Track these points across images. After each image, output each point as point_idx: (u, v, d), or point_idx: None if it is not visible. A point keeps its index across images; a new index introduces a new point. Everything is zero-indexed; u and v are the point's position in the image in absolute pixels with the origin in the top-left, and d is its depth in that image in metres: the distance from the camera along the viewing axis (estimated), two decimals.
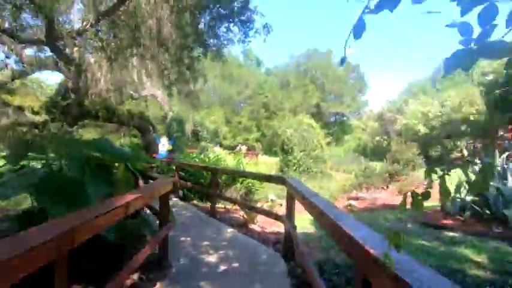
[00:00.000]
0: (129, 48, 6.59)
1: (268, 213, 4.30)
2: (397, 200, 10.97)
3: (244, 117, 37.67)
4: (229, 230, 5.17)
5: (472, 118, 18.87)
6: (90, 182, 3.00)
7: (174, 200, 8.11)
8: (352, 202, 9.09)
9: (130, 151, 4.46)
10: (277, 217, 4.11)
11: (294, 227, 3.83)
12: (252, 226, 5.79)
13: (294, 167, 16.26)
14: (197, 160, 9.10)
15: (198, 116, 30.49)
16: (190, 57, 5.57)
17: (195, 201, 8.51)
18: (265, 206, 7.37)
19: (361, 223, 1.50)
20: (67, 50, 7.32)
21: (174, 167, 8.98)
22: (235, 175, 7.16)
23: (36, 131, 12.19)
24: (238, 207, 7.76)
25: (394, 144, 17.98)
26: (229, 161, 9.40)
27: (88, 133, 32.64)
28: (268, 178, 4.30)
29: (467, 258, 3.98)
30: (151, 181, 4.68)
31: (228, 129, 35.32)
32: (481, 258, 4.01)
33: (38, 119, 11.57)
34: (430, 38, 76.34)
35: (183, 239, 4.62)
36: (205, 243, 4.42)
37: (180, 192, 8.65)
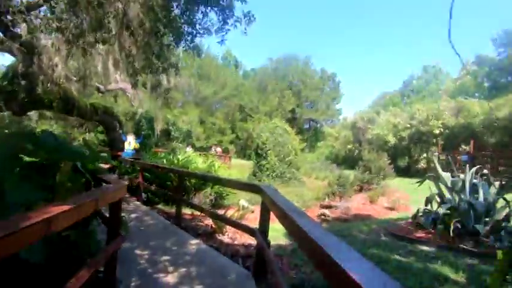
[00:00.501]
0: (92, 32, 5.84)
1: (239, 226, 3.83)
2: (369, 209, 10.99)
3: (219, 118, 36.94)
4: (195, 241, 4.62)
5: (437, 131, 19.83)
6: (15, 186, 2.35)
7: (136, 204, 7.38)
8: (326, 211, 8.87)
9: (81, 148, 3.79)
10: (248, 231, 3.65)
11: (268, 243, 3.40)
12: (221, 236, 5.29)
13: (268, 172, 15.92)
14: (165, 161, 8.41)
15: (170, 115, 29.34)
16: (159, 44, 4.94)
17: (160, 206, 7.82)
18: (236, 215, 6.88)
19: (375, 268, 1.08)
20: (17, 29, 6.40)
21: (138, 168, 8.22)
22: (207, 180, 6.58)
23: None
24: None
25: (366, 153, 18.32)
26: (200, 163, 8.81)
27: (49, 126, 30.15)
28: (242, 186, 3.84)
29: (447, 278, 3.78)
30: (105, 185, 4.02)
31: (201, 130, 34.37)
32: (460, 277, 3.84)
33: None
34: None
35: (139, 252, 4.01)
36: (166, 257, 3.85)
37: (144, 196, 7.93)
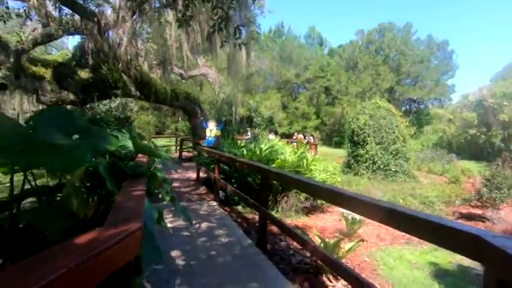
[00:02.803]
0: None
1: None
2: None
3: (302, 102, 34.38)
4: None
5: None
6: None
7: (212, 204, 5.98)
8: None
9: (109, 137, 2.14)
10: None
11: None
12: (332, 281, 3.22)
13: (366, 164, 12.98)
14: (245, 151, 6.77)
15: (252, 100, 28.50)
16: None
17: (239, 207, 6.27)
18: (336, 225, 4.68)
19: None
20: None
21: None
22: (316, 195, 4.31)
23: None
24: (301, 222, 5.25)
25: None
26: (288, 154, 6.88)
27: (146, 116, 33.34)
28: (422, 226, 1.56)
29: None
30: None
31: (284, 116, 32.58)
32: None
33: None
34: None
35: None
36: None
37: (221, 194, 6.49)
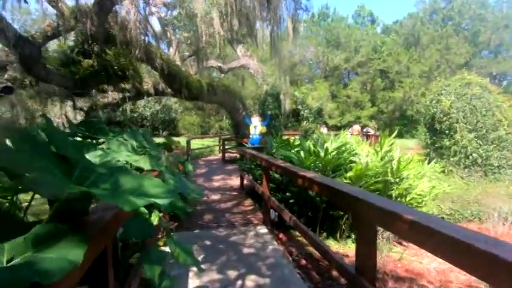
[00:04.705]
0: None
1: None
2: None
3: (354, 89, 30.86)
4: None
5: None
6: None
7: (260, 232, 4.22)
8: None
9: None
10: None
11: None
12: None
13: (456, 157, 10.04)
14: (302, 154, 4.82)
15: (298, 92, 26.29)
16: None
17: (298, 234, 4.41)
18: None
19: None
20: None
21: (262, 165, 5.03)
22: None
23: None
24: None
25: None
26: (364, 155, 4.79)
27: (190, 117, 33.12)
28: None
29: None
30: None
31: (334, 106, 29.56)
32: None
33: (114, 96, 9.75)
34: None
35: None
36: None
37: (273, 213, 4.71)
